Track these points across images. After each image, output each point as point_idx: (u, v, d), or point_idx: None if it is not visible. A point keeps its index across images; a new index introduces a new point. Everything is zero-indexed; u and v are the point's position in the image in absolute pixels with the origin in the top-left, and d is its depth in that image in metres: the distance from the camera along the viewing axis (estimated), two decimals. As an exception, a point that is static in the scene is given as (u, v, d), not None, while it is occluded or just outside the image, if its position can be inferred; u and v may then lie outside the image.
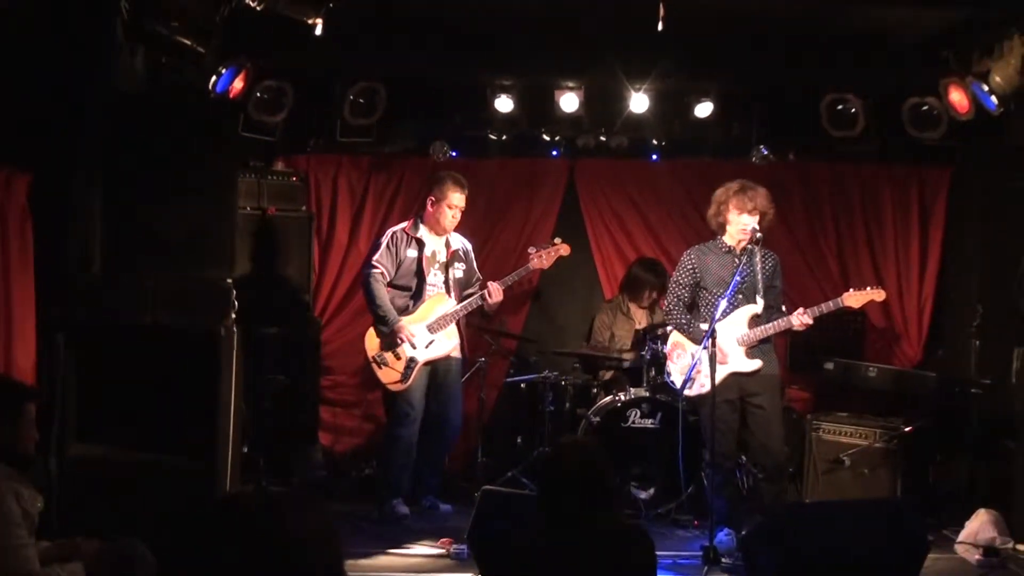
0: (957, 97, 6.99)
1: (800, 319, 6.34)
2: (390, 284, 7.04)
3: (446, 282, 7.12)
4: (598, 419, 7.18)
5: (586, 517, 3.65)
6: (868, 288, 6.51)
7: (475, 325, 7.71)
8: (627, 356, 7.69)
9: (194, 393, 5.53)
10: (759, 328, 6.39)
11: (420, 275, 7.03)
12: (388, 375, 6.97)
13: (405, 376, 6.94)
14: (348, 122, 7.66)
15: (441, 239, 7.14)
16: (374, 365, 7.00)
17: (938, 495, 7.12)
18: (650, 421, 7.17)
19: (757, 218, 6.38)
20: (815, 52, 7.22)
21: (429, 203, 7.07)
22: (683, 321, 6.57)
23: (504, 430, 8.04)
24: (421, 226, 7.10)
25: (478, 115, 7.87)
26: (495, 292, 7.00)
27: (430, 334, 6.99)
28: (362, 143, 7.88)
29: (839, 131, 7.56)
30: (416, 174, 8.18)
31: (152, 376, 5.46)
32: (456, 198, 7.01)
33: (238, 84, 6.93)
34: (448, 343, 7.06)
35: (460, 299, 7.16)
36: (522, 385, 7.87)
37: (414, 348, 6.95)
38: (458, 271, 7.19)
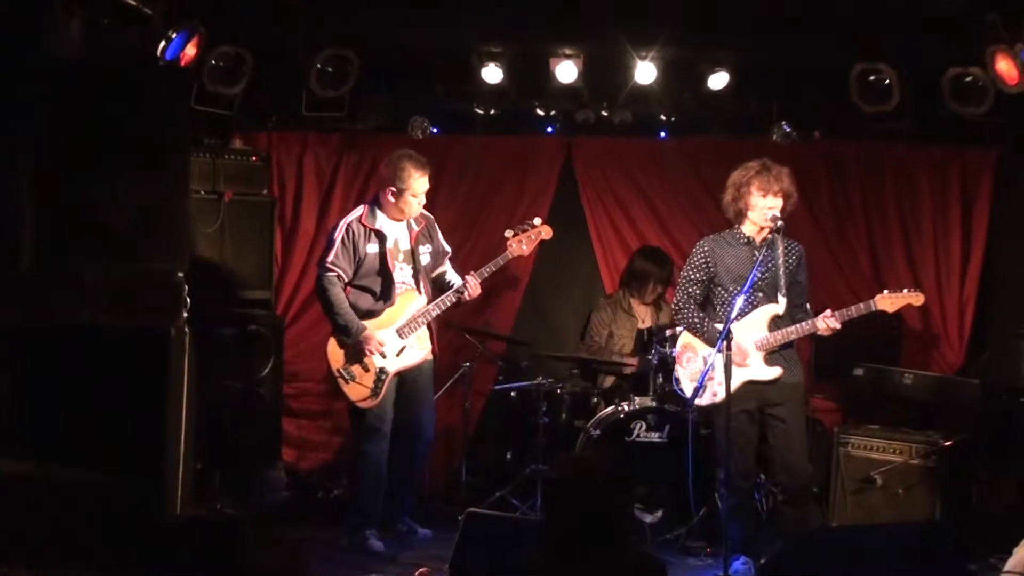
0: (1005, 67, 6.96)
1: (827, 323, 6.32)
2: (349, 284, 6.92)
3: (415, 275, 7.00)
4: (598, 432, 7.16)
5: (594, 547, 3.62)
6: (905, 291, 6.47)
7: (458, 325, 7.68)
8: (630, 361, 7.68)
9: (140, 402, 5.51)
10: (780, 331, 6.38)
11: (385, 273, 6.92)
12: (356, 391, 6.87)
13: (375, 391, 6.85)
14: (315, 94, 7.62)
15: (402, 224, 7.01)
16: (340, 380, 6.87)
17: (982, 518, 7.11)
18: (657, 435, 7.16)
19: (781, 202, 6.37)
20: (843, 16, 7.20)
21: (390, 194, 6.90)
22: (695, 320, 6.56)
23: (492, 444, 8.02)
24: (379, 214, 6.96)
25: (463, 87, 7.84)
26: (473, 287, 6.93)
27: (401, 340, 6.91)
28: (331, 118, 7.84)
29: (871, 106, 7.53)
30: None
31: (92, 383, 5.43)
32: (420, 184, 6.86)
33: (190, 51, 6.89)
34: (421, 349, 6.99)
35: (430, 285, 7.07)
36: (512, 393, 7.84)
37: (384, 358, 6.87)
38: (425, 256, 7.07)
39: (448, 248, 7.27)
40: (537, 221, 7.14)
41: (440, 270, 7.19)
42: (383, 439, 6.93)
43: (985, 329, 8.19)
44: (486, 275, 7.04)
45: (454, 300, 6.98)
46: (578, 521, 3.66)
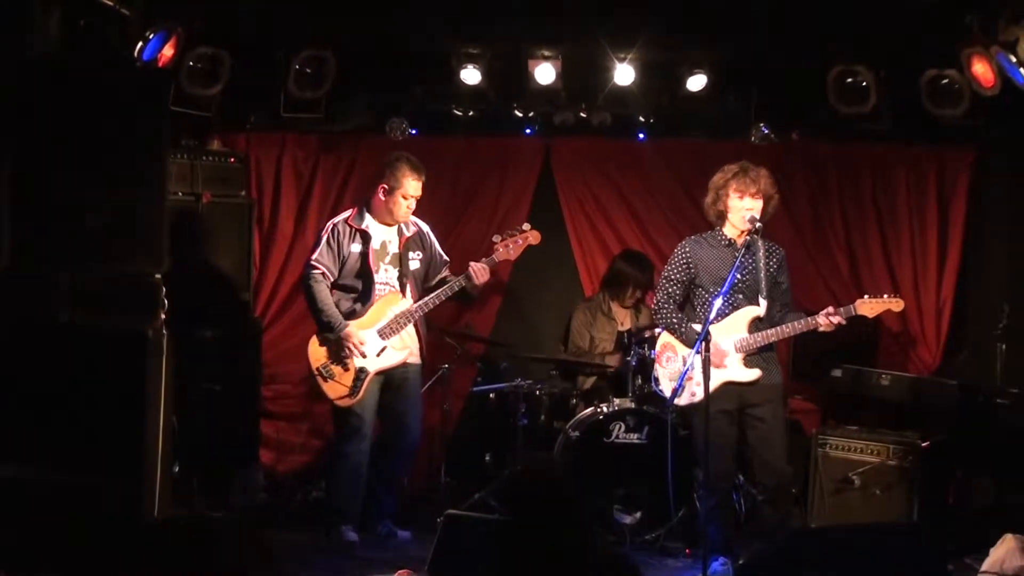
0: (981, 69, 7.00)
1: (829, 319, 6.31)
2: (334, 285, 6.98)
3: (400, 277, 7.02)
4: (577, 434, 7.17)
5: (552, 549, 3.63)
6: (885, 296, 6.49)
7: (437, 327, 7.67)
8: (611, 361, 7.68)
9: (117, 405, 5.47)
10: (768, 331, 6.38)
11: (366, 273, 6.96)
12: (335, 389, 6.91)
13: (354, 390, 6.88)
14: (293, 95, 7.61)
15: (393, 228, 7.05)
16: (319, 378, 6.92)
17: (959, 518, 7.14)
18: (636, 436, 7.17)
19: (760, 203, 6.38)
20: (821, 18, 7.21)
21: (381, 192, 6.95)
22: (674, 320, 6.56)
23: (471, 446, 8.01)
24: (367, 216, 7.01)
25: (441, 88, 7.85)
26: (481, 272, 6.90)
27: (382, 340, 6.93)
28: (309, 119, 7.84)
29: (848, 107, 7.57)
30: (371, 154, 8.13)
31: (69, 385, 5.39)
32: (413, 186, 6.92)
33: (168, 51, 6.87)
34: (401, 350, 6.99)
35: (421, 293, 7.07)
36: (491, 395, 7.85)
37: (364, 357, 6.89)
38: (414, 262, 7.09)
39: (447, 258, 7.27)
40: (526, 227, 7.11)
41: (439, 277, 7.18)
42: (363, 439, 6.96)
43: (962, 330, 8.23)
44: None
45: (457, 289, 6.95)
46: (531, 516, 3.67)
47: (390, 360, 6.97)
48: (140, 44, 6.61)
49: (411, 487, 7.80)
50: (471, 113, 8.06)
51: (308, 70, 7.57)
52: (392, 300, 6.99)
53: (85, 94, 5.81)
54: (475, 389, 8.15)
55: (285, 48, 7.56)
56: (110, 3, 5.91)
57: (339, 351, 6.88)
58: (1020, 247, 7.68)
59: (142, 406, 5.57)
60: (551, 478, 3.79)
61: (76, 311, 5.66)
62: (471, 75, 7.61)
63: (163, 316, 5.92)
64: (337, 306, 6.93)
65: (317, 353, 6.93)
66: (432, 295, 7.00)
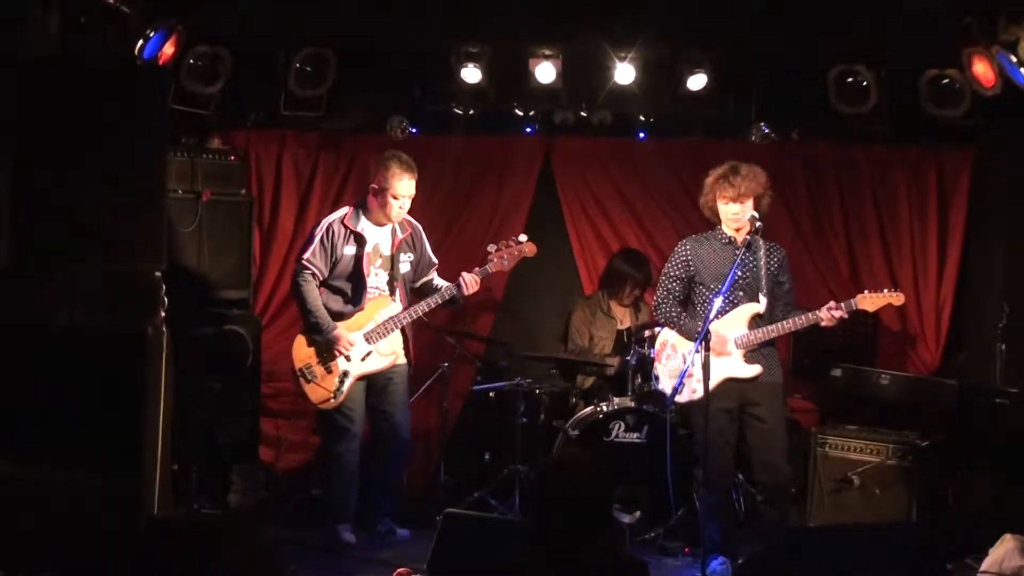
0: (982, 69, 7.01)
1: (831, 313, 6.32)
2: (323, 284, 6.94)
3: (391, 281, 7.00)
4: (577, 433, 7.17)
5: (584, 547, 3.60)
6: (885, 291, 6.50)
7: (436, 326, 7.67)
8: (611, 361, 7.68)
9: (116, 403, 5.47)
10: (769, 327, 6.39)
11: (359, 276, 6.93)
12: (317, 392, 6.88)
13: (336, 393, 6.84)
14: (294, 93, 7.62)
15: (386, 228, 7.02)
16: (301, 380, 6.89)
17: (959, 518, 7.14)
18: (635, 435, 7.17)
19: (749, 203, 6.39)
20: (822, 18, 7.22)
21: (371, 191, 6.93)
22: (673, 314, 6.58)
23: (470, 445, 8.03)
24: (362, 217, 6.97)
25: (441, 87, 7.84)
26: (472, 283, 6.90)
27: (367, 345, 6.90)
28: (309, 117, 7.84)
29: (848, 107, 7.58)
30: (370, 153, 8.04)
31: (68, 383, 5.39)
32: (403, 186, 6.86)
33: (168, 49, 6.87)
34: (388, 356, 6.97)
35: (409, 294, 7.05)
36: (491, 394, 7.84)
37: (348, 361, 6.87)
38: (404, 264, 7.06)
39: (435, 260, 7.24)
40: (523, 238, 7.09)
41: (425, 279, 7.16)
42: (353, 439, 6.96)
43: (961, 329, 8.22)
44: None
45: (446, 298, 6.95)
46: (571, 520, 3.64)
47: (375, 365, 6.94)
48: (140, 42, 6.61)
49: (410, 486, 7.80)
50: (471, 112, 8.05)
51: (308, 68, 7.58)
52: (381, 303, 6.96)
53: (85, 92, 5.82)
54: (475, 388, 8.13)
55: (285, 46, 7.57)
56: (110, 1, 5.90)
57: (325, 353, 6.86)
58: (1020, 247, 7.67)
59: (141, 404, 5.57)
60: (590, 478, 3.75)
61: (76, 310, 5.66)
62: (471, 74, 7.61)
63: (163, 314, 5.92)
64: (326, 306, 6.89)
65: (302, 353, 6.91)
66: (422, 303, 6.97)
